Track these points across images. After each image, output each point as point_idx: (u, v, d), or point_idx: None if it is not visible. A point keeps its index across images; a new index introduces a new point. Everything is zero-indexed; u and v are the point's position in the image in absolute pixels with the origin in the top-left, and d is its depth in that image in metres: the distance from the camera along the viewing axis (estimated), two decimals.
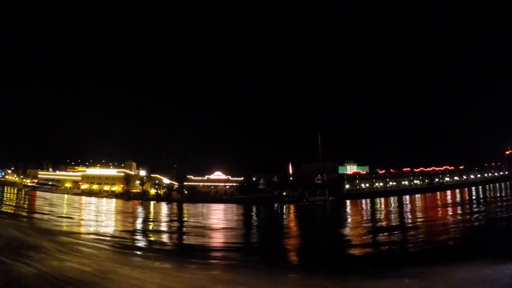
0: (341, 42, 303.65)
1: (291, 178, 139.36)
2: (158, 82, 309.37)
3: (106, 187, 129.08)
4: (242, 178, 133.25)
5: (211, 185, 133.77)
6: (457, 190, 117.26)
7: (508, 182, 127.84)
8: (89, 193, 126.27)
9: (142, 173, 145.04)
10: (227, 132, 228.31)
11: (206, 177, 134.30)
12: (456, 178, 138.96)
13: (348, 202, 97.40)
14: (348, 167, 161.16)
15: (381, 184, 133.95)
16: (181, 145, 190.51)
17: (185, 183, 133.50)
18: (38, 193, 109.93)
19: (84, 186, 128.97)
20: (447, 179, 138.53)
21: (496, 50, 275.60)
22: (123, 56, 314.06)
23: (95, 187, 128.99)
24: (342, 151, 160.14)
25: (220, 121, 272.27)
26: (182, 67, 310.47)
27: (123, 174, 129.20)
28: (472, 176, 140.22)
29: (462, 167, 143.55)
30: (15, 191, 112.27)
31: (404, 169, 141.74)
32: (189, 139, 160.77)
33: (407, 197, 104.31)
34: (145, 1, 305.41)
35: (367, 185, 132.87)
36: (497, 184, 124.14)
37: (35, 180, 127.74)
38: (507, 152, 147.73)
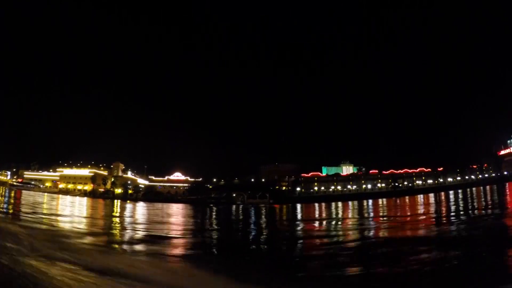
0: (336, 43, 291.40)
1: (252, 180, 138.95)
2: (146, 87, 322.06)
3: (80, 186, 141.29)
4: (201, 179, 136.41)
5: (173, 186, 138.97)
6: (421, 196, 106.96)
7: (492, 186, 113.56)
8: (65, 191, 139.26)
9: (130, 174, 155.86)
10: (196, 134, 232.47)
11: (166, 177, 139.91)
12: (430, 181, 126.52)
13: (283, 206, 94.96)
14: (344, 167, 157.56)
15: (338, 187, 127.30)
16: (157, 146, 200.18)
17: (147, 183, 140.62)
18: (14, 191, 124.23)
19: (61, 185, 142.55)
20: (418, 182, 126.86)
21: (490, 49, 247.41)
22: (120, 60, 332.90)
23: (70, 186, 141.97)
24: (325, 151, 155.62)
25: (187, 122, 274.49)
26: (171, 73, 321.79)
27: (92, 174, 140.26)
28: (450, 179, 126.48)
29: (440, 168, 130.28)
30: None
31: (370, 172, 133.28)
32: (161, 141, 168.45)
33: (345, 203, 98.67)
34: (136, 8, 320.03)
35: (322, 188, 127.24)
36: (473, 189, 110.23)
37: (20, 180, 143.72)
38: (503, 153, 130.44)
